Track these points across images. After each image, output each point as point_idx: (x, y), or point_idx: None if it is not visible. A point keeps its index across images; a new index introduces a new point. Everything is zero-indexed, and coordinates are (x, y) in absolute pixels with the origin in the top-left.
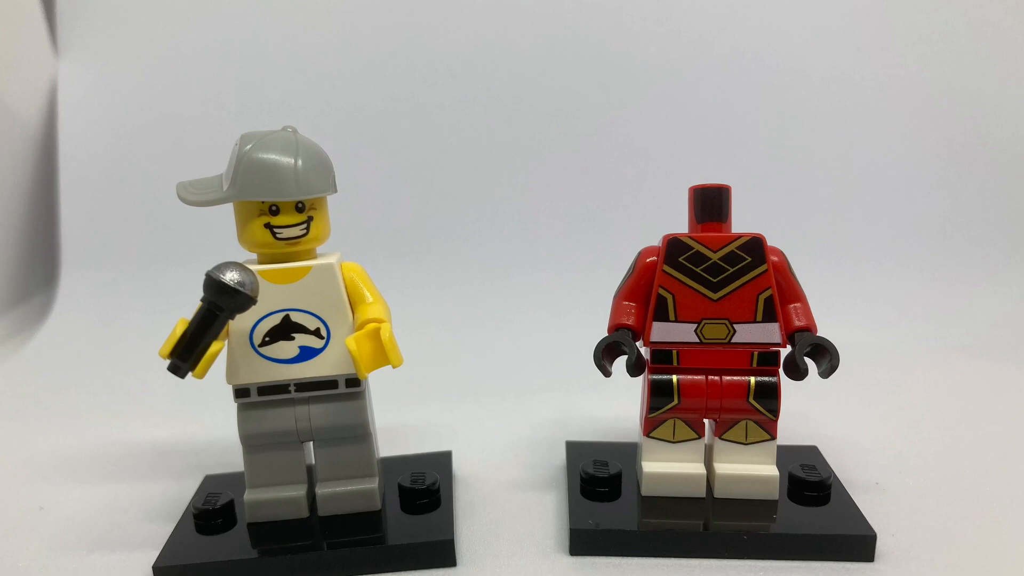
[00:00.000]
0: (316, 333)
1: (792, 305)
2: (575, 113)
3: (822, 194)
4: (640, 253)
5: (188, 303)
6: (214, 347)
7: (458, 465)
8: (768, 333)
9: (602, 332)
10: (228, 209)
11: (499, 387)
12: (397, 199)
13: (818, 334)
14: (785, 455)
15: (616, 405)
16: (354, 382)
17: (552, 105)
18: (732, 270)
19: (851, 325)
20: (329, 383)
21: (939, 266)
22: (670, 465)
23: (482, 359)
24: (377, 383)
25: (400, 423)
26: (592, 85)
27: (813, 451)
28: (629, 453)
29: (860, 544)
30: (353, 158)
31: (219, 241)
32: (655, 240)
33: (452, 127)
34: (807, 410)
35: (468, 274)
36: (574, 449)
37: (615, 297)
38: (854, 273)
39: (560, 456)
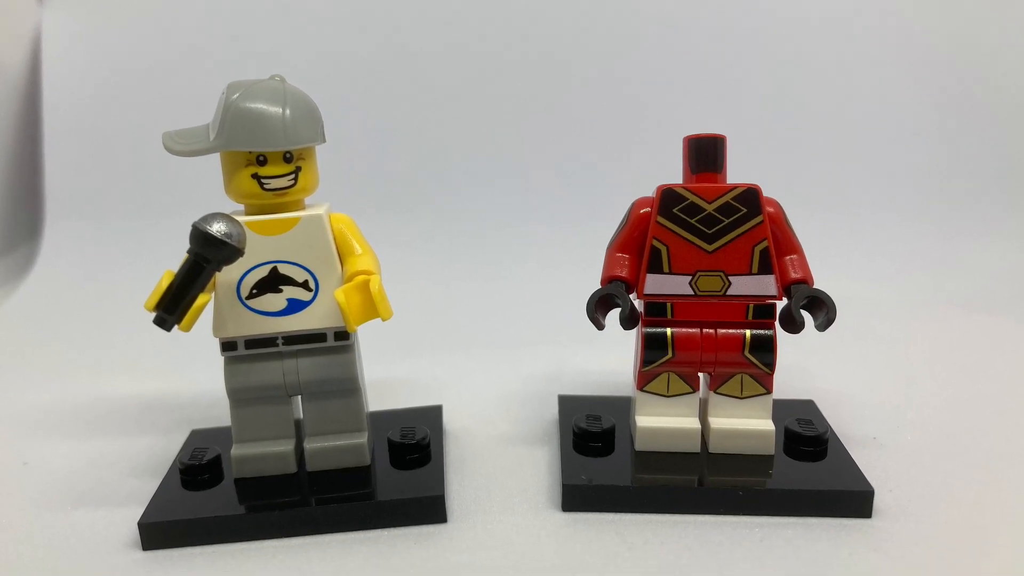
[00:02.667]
0: (304, 285)
1: (788, 257)
2: (568, 62)
3: (819, 145)
4: (633, 204)
5: (175, 255)
6: (200, 299)
7: (448, 419)
8: (764, 285)
9: (595, 285)
10: (215, 160)
11: (490, 341)
12: (386, 150)
13: (815, 286)
14: (781, 409)
15: (609, 359)
16: (343, 335)
17: (544, 53)
18: (727, 221)
19: (848, 278)
20: (318, 336)
21: (938, 219)
22: (664, 420)
23: (473, 312)
24: (366, 336)
25: (389, 377)
26: (585, 33)
27: (810, 405)
28: (622, 407)
29: (857, 500)
30: (342, 108)
31: (206, 192)
32: (649, 191)
33: (443, 76)
34: (803, 363)
35: (459, 226)
36: (566, 403)
37: (608, 249)
38: (852, 225)
39: (552, 410)
